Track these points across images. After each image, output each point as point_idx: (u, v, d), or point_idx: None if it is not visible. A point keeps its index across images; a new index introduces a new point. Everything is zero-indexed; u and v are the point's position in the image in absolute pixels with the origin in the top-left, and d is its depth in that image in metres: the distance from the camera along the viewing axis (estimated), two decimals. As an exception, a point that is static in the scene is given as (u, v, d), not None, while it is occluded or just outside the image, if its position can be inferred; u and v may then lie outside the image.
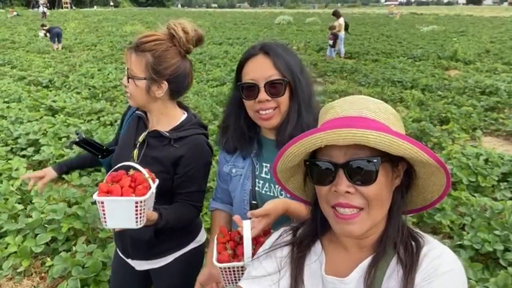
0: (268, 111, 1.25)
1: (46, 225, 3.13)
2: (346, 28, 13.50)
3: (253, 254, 1.02)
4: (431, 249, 0.80)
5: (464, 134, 5.94)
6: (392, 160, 0.79)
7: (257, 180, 1.37)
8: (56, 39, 15.59)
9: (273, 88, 1.22)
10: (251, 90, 1.24)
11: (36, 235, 3.05)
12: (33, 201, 3.55)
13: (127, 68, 1.43)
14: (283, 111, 1.26)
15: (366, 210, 0.79)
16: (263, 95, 1.22)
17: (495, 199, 3.89)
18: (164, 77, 1.43)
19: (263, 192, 1.35)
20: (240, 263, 1.05)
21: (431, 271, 0.76)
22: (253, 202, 1.36)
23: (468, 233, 3.16)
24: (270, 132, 1.35)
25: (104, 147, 1.70)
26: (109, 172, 1.27)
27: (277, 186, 1.33)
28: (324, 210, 0.85)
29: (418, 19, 39.12)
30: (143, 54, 1.39)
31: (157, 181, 1.29)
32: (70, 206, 3.46)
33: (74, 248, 2.99)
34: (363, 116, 0.80)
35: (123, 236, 1.61)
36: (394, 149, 0.74)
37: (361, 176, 0.77)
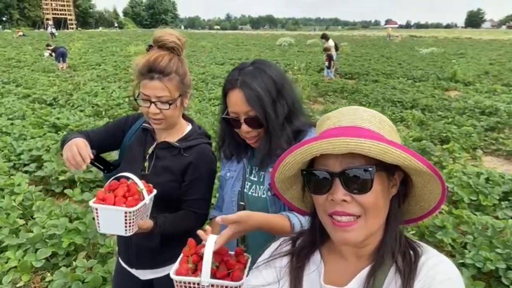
0: (252, 140, 1.38)
1: (47, 240, 3.13)
2: (336, 49, 13.95)
3: (215, 272, 1.01)
4: (429, 258, 0.81)
5: (465, 153, 5.97)
6: (387, 168, 0.81)
7: (246, 182, 1.45)
8: (61, 58, 15.86)
9: (252, 122, 1.32)
10: (235, 121, 1.35)
11: (37, 250, 3.05)
12: (34, 216, 3.56)
13: (155, 97, 1.44)
14: (263, 136, 1.37)
15: (363, 218, 0.80)
16: (244, 127, 1.33)
17: (497, 218, 3.88)
18: (189, 87, 1.54)
19: (250, 193, 1.43)
20: (196, 279, 1.00)
21: (429, 280, 0.77)
22: (241, 203, 1.43)
23: (470, 251, 3.15)
24: None
25: (111, 162, 1.74)
26: (109, 181, 1.34)
27: (261, 187, 1.40)
28: (321, 219, 0.86)
29: (417, 41, 39.73)
30: (172, 77, 1.46)
31: (154, 191, 1.37)
32: (71, 221, 3.47)
33: (74, 263, 2.97)
34: (357, 126, 0.82)
35: (128, 245, 1.63)
36: (387, 157, 0.75)
37: (357, 184, 0.78)
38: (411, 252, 0.83)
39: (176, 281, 1.02)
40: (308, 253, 0.93)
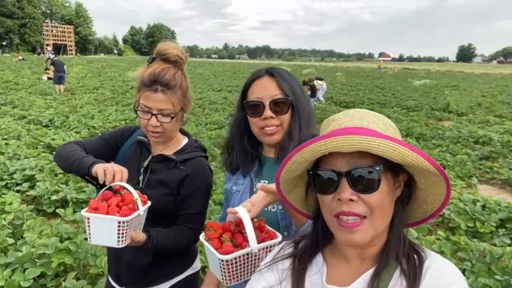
0: (272, 128, 1.32)
1: (36, 260, 3.04)
2: (321, 79, 14.74)
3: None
4: (433, 262, 0.81)
5: (460, 181, 5.98)
6: (393, 169, 0.81)
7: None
8: (58, 80, 15.96)
9: (277, 106, 1.30)
10: (257, 108, 1.31)
11: (25, 269, 2.94)
12: (24, 236, 3.47)
13: (156, 109, 1.42)
14: (285, 128, 1.34)
15: (369, 218, 0.80)
16: (268, 112, 1.30)
17: (494, 245, 3.85)
18: (190, 101, 1.53)
19: None
20: (247, 249, 1.00)
21: (434, 283, 0.76)
22: None
23: (468, 278, 3.09)
24: (271, 151, 1.40)
25: None
26: (103, 190, 1.29)
27: None
28: (327, 220, 0.85)
29: (410, 73, 40.67)
30: (175, 90, 1.45)
31: (148, 203, 1.32)
32: (62, 241, 3.38)
33: (63, 284, 2.87)
34: (364, 127, 0.83)
35: (118, 263, 1.58)
36: (396, 155, 0.75)
37: (364, 184, 0.78)
38: (415, 256, 0.82)
39: (227, 262, 0.99)
40: (310, 256, 0.91)
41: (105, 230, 1.21)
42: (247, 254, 1.01)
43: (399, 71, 46.06)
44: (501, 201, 4.85)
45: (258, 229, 1.06)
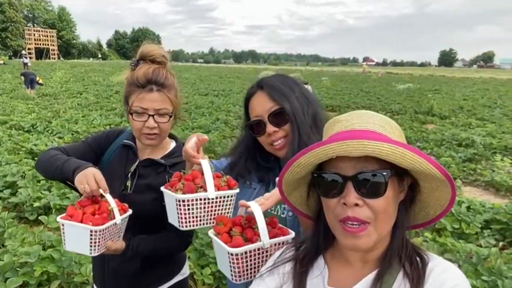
0: (279, 141, 1.29)
1: (18, 269, 2.94)
2: (306, 83, 14.90)
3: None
4: (437, 265, 0.80)
5: (445, 183, 6.06)
6: (398, 173, 0.80)
7: None
8: (29, 84, 15.95)
9: (276, 118, 1.27)
10: (259, 126, 1.29)
11: (7, 279, 2.85)
12: (5, 244, 3.36)
13: (153, 110, 1.39)
14: (291, 138, 1.29)
15: (373, 223, 0.78)
16: (269, 127, 1.27)
17: (480, 246, 3.89)
18: (180, 101, 1.49)
19: (268, 210, 1.35)
20: (259, 244, 0.97)
21: (438, 286, 0.76)
22: None
23: (456, 279, 3.12)
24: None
25: None
26: (83, 197, 1.27)
27: (282, 206, 1.31)
28: (331, 224, 0.84)
29: (394, 77, 41.24)
30: (170, 89, 1.43)
31: (129, 211, 1.31)
32: (45, 249, 3.28)
33: (46, 293, 2.79)
34: (370, 130, 0.81)
35: (104, 269, 1.54)
36: (404, 161, 0.75)
37: (370, 188, 0.77)
38: (418, 259, 0.82)
39: (237, 255, 0.95)
40: (311, 258, 0.90)
41: (78, 238, 1.21)
42: (258, 249, 0.97)
43: (383, 75, 46.75)
44: (486, 202, 4.93)
45: (270, 225, 1.03)
